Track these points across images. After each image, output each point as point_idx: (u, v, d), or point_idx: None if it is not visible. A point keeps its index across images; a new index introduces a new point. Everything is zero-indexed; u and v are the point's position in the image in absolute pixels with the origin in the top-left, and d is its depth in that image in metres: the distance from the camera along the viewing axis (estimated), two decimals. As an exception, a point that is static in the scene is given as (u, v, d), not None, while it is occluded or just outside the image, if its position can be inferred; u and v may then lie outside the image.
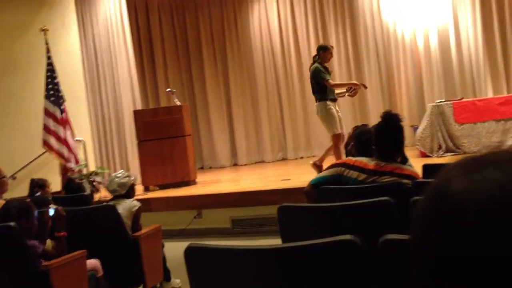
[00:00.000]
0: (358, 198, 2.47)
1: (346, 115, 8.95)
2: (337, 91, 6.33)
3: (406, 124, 8.12)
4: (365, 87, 6.71)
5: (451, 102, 7.15)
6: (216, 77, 9.65)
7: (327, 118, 6.07)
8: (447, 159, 6.32)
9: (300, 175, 6.41)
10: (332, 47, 6.51)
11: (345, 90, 6.43)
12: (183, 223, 5.59)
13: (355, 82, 6.77)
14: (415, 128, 7.61)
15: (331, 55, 6.41)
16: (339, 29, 9.16)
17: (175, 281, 4.12)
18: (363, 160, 2.95)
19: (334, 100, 6.19)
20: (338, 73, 9.12)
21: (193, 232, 5.45)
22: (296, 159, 9.23)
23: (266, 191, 5.68)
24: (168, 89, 7.47)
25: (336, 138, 5.97)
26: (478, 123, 6.86)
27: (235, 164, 9.51)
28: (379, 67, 9.02)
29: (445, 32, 8.60)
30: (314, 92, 6.25)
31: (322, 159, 6.04)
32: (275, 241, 2.97)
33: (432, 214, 0.57)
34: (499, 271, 0.52)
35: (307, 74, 9.20)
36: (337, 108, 6.25)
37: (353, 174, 2.92)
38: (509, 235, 0.52)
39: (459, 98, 7.63)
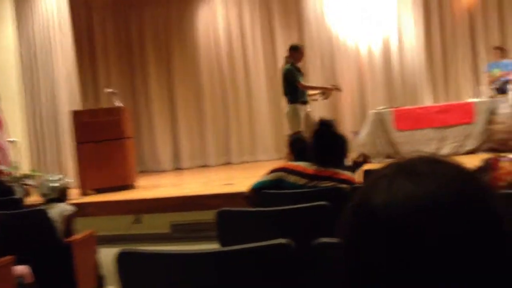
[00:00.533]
0: (298, 203, 2.50)
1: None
2: (310, 92, 6.33)
3: (348, 130, 8.37)
4: (339, 90, 6.74)
5: (392, 109, 7.35)
6: (159, 78, 9.50)
7: (292, 121, 6.12)
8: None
9: (243, 180, 6.35)
10: (302, 46, 6.47)
11: (318, 92, 6.46)
12: (121, 228, 5.41)
13: (328, 86, 6.81)
14: (357, 134, 7.76)
15: (302, 55, 6.39)
16: (286, 34, 9.23)
17: (110, 287, 3.98)
18: (303, 165, 2.97)
19: (304, 102, 6.20)
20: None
21: (131, 238, 5.29)
22: (240, 163, 9.20)
23: (208, 195, 5.60)
24: (108, 90, 7.25)
25: None
26: (417, 130, 7.08)
27: (178, 168, 9.37)
28: (324, 74, 9.15)
29: (389, 42, 8.86)
30: (285, 94, 6.24)
31: None
32: (216, 247, 2.93)
33: (354, 223, 0.62)
34: (404, 278, 0.57)
35: (253, 78, 9.29)
36: (308, 110, 6.27)
37: (293, 178, 2.94)
38: (413, 246, 0.56)
39: (399, 105, 7.86)
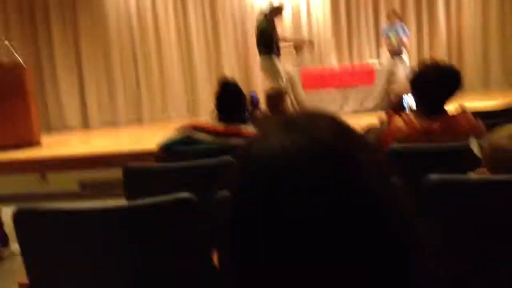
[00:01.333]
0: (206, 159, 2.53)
1: (205, 85, 9.02)
2: (283, 44, 6.44)
3: (259, 90, 8.52)
4: (312, 45, 6.99)
5: (300, 69, 7.57)
6: (64, 34, 9.03)
7: (272, 72, 6.25)
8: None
9: (154, 137, 6.31)
10: (283, 5, 6.53)
11: (293, 45, 6.71)
12: (26, 187, 5.24)
13: (302, 39, 6.96)
14: (267, 92, 7.93)
15: (280, 12, 6.50)
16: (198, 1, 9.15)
17: (14, 245, 3.88)
18: (211, 123, 3.02)
19: (278, 54, 6.30)
20: (197, 46, 9.13)
21: (38, 196, 5.14)
22: (151, 121, 9.10)
23: (118, 153, 5.53)
24: (6, 42, 6.75)
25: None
26: (322, 90, 7.39)
27: (86, 126, 9.09)
28: (236, 39, 9.23)
29: (298, 8, 9.10)
30: (259, 45, 6.31)
31: None
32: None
33: (236, 175, 0.61)
34: (275, 231, 0.56)
35: (163, 36, 9.08)
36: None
37: (202, 136, 2.98)
38: (281, 199, 0.56)
39: (306, 66, 8.12)
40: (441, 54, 9.04)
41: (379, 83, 7.44)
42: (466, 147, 1.84)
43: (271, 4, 6.48)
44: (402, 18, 8.22)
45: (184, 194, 1.52)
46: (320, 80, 7.42)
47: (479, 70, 9.31)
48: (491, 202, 1.54)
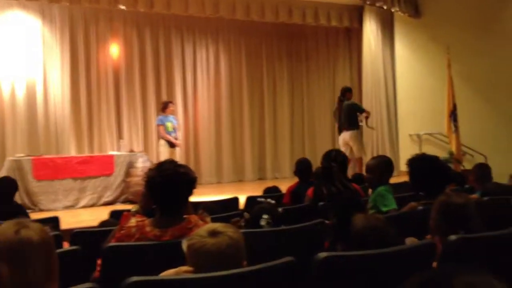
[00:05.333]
0: None
1: None
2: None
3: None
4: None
5: (31, 157, 6.97)
6: None
7: (361, 143, 8.21)
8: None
9: None
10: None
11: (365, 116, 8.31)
12: None
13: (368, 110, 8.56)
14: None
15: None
16: None
17: None
18: None
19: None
20: None
21: None
22: None
23: None
24: None
25: (362, 160, 7.84)
26: (56, 180, 6.89)
27: None
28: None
29: (33, 86, 8.43)
30: (349, 124, 7.93)
31: None
32: None
33: None
34: None
35: None
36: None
37: None
38: None
39: (39, 154, 7.54)
40: (180, 154, 9.12)
41: (118, 175, 7.33)
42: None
43: (345, 89, 8.30)
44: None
45: None
46: (54, 169, 6.90)
47: (212, 164, 9.96)
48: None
